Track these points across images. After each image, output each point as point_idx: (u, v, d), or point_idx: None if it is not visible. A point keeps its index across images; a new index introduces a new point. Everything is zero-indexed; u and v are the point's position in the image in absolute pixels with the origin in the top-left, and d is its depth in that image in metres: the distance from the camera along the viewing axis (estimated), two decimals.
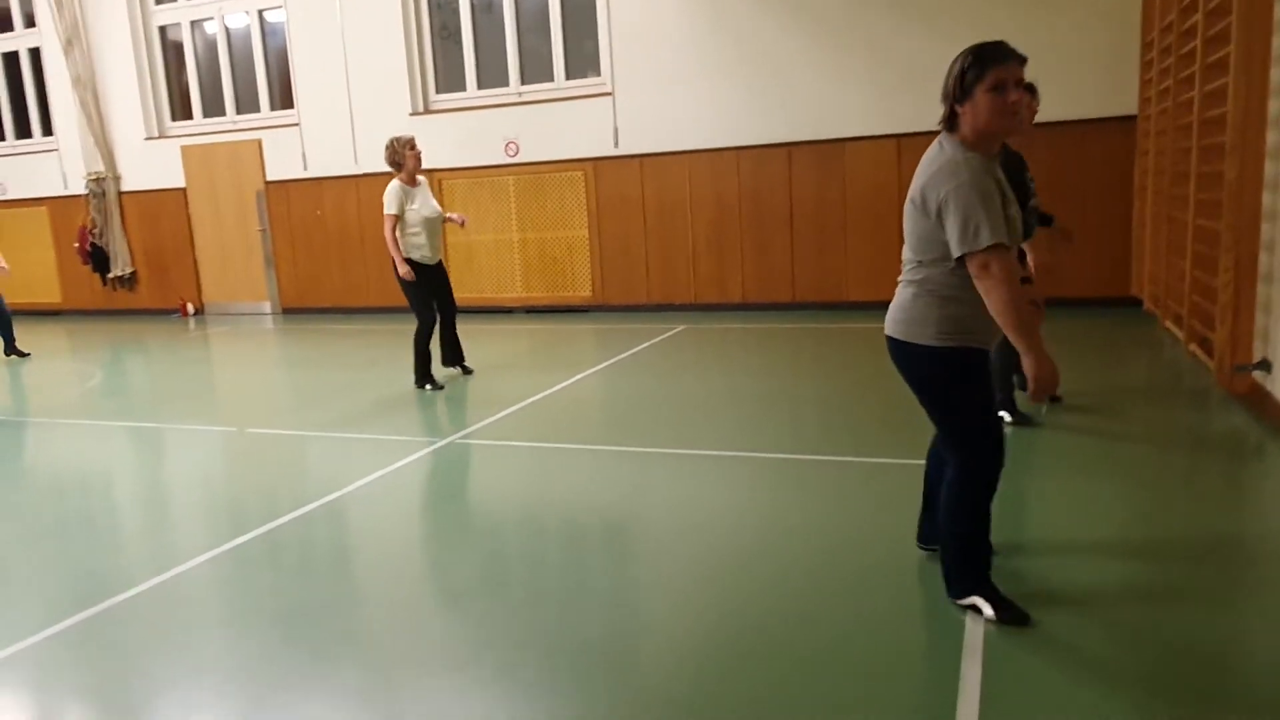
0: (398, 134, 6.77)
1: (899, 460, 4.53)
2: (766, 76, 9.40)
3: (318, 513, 4.33)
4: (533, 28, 10.45)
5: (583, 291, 10.54)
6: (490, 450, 5.26)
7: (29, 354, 9.60)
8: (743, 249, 9.82)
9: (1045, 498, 4.00)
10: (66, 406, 7.18)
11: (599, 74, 10.16)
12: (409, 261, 6.65)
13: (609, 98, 9.97)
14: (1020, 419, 4.96)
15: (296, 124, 11.37)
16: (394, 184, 6.64)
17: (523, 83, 10.53)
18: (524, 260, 10.74)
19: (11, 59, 13.05)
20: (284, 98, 11.64)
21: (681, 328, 9.06)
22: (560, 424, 5.76)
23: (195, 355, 9.61)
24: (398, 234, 6.63)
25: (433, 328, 6.82)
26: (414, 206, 6.62)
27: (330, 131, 11.13)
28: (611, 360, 7.63)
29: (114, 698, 2.78)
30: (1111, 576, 3.18)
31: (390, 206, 6.58)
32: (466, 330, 9.72)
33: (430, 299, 6.80)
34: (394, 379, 7.22)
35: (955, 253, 2.62)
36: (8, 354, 9.50)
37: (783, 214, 9.63)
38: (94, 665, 2.98)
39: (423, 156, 6.79)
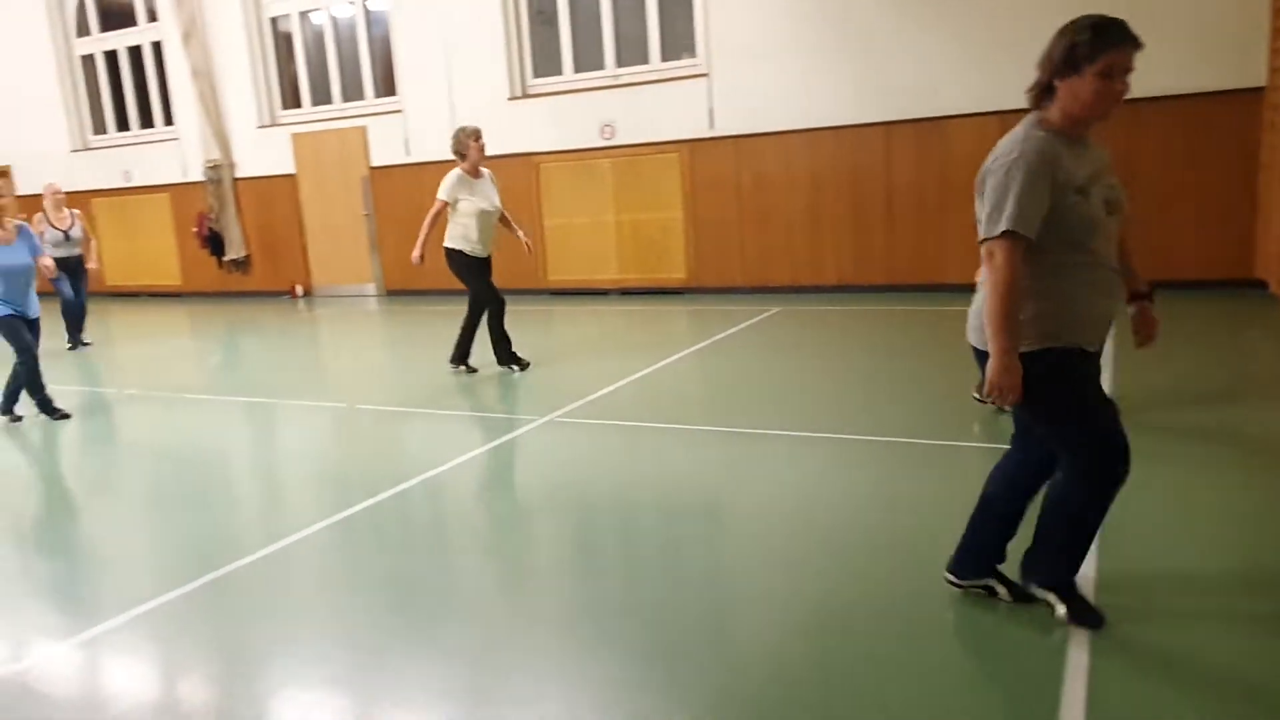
0: (464, 124, 6.79)
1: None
2: (863, 54, 9.20)
3: (419, 488, 4.48)
4: (628, 9, 10.47)
5: (677, 273, 10.56)
6: (587, 429, 5.35)
7: (90, 343, 9.45)
8: (839, 230, 9.67)
9: (1149, 502, 3.78)
10: (190, 383, 7.60)
11: (694, 55, 10.12)
12: (458, 252, 6.69)
13: (704, 79, 9.93)
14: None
15: (399, 110, 11.69)
16: (454, 172, 6.64)
17: (618, 65, 10.57)
18: (619, 242, 10.82)
19: (135, 52, 13.77)
20: (387, 85, 11.97)
21: (776, 309, 9.00)
22: (657, 404, 5.81)
23: (305, 335, 10.03)
24: (450, 221, 6.67)
25: (485, 313, 6.83)
26: (470, 197, 6.60)
27: (431, 117, 11.39)
28: (707, 341, 7.64)
29: (237, 653, 2.97)
30: (1221, 589, 3.04)
31: (441, 192, 6.61)
32: (564, 311, 9.88)
33: (491, 284, 6.83)
34: (492, 358, 7.38)
35: (979, 235, 2.49)
36: (71, 346, 9.22)
37: (880, 194, 9.44)
38: (218, 624, 3.18)
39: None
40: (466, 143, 6.59)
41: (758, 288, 10.12)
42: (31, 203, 13.56)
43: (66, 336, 9.26)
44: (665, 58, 10.34)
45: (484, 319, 6.87)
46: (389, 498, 4.34)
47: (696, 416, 5.50)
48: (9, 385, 6.22)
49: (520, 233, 7.05)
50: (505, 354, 6.92)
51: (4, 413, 6.29)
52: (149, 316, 12.21)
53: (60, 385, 7.47)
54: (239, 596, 3.38)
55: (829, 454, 4.62)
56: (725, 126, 9.92)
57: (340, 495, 4.46)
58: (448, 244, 6.75)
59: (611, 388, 6.22)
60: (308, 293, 13.01)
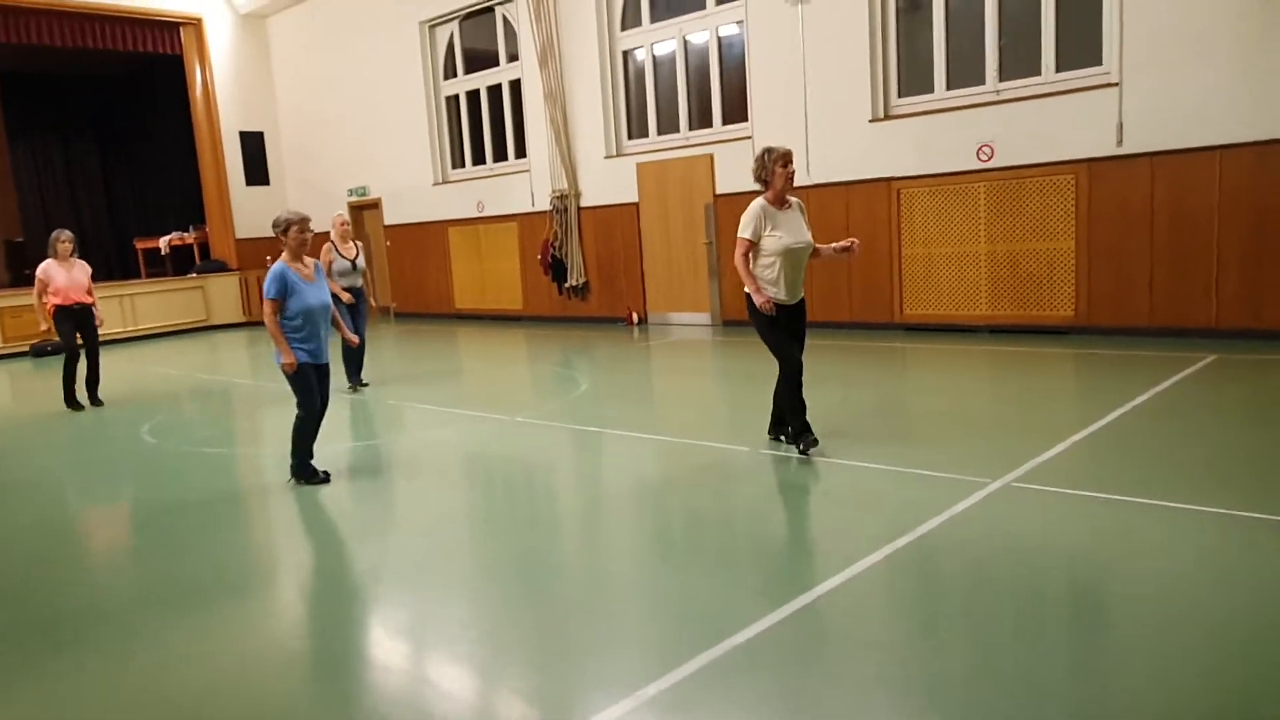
0: (772, 145, 5.63)
1: None
2: None
3: (906, 556, 3.84)
4: (1015, 18, 9.44)
5: (1063, 311, 9.31)
6: (1064, 501, 4.46)
7: (368, 384, 9.16)
8: None
9: None
10: (583, 414, 7.54)
11: (1099, 63, 8.89)
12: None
13: (1113, 89, 8.67)
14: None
15: (749, 137, 11.38)
16: (756, 203, 5.55)
17: (1001, 79, 9.55)
18: (991, 274, 9.74)
19: (494, 91, 14.63)
20: (737, 111, 11.73)
21: (1210, 358, 7.55)
22: (1144, 473, 4.80)
23: (663, 365, 9.88)
24: (750, 264, 5.58)
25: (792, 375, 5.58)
26: (775, 233, 5.49)
27: (783, 143, 10.94)
28: (1146, 395, 6.44)
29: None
30: None
31: (744, 230, 5.51)
32: (927, 350, 8.97)
33: (791, 341, 5.61)
34: (871, 396, 6.68)
35: None
36: (351, 388, 8.92)
37: None
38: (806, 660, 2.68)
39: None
40: (772, 167, 5.50)
41: (1167, 330, 8.64)
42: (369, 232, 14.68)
43: (347, 378, 8.90)
44: (1061, 68, 9.18)
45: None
46: (877, 564, 3.74)
47: (1219, 496, 4.41)
48: (298, 444, 5.61)
49: (834, 245, 5.74)
50: (796, 424, 5.62)
51: (302, 477, 5.63)
52: (491, 338, 12.77)
53: (444, 408, 7.69)
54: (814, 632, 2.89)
55: None
56: (1138, 142, 8.59)
57: (824, 558, 3.92)
58: (749, 289, 5.64)
59: (1059, 448, 5.28)
60: (642, 320, 13.05)
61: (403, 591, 3.98)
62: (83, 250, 21.85)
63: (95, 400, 9.12)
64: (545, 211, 13.78)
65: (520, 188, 14.18)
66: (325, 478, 5.64)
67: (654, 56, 12.58)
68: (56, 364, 13.84)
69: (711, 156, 11.81)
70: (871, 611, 3.48)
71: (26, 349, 14.02)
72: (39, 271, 8.86)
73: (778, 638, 3.22)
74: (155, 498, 5.91)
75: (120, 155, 20.70)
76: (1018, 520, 4.29)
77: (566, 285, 13.69)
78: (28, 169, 19.91)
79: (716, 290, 12.12)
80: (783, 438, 5.78)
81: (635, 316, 13.01)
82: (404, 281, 16.55)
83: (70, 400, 9.01)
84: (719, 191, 11.81)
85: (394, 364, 10.90)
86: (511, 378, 9.81)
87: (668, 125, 12.58)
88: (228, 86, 17.62)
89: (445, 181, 15.47)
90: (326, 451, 6.02)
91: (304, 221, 5.61)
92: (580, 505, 5.13)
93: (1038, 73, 9.31)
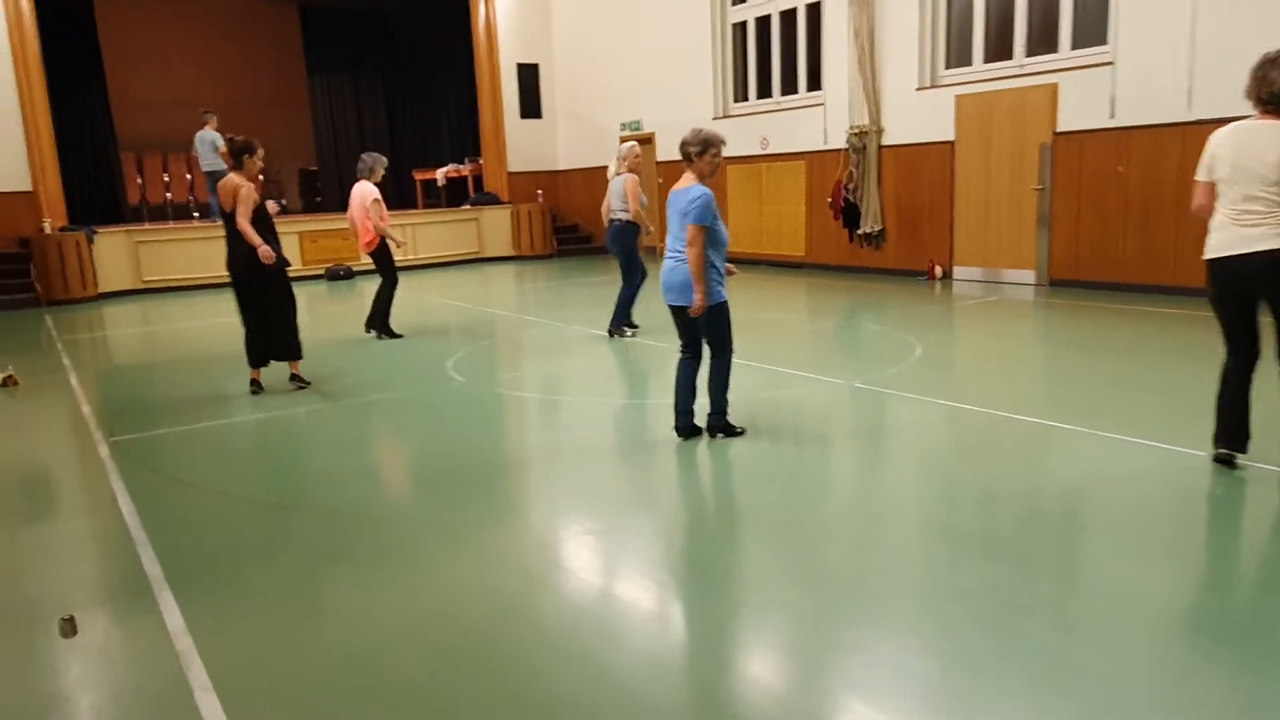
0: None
1: None
2: None
3: None
4: None
5: None
6: None
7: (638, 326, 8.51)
8: None
9: None
10: (912, 378, 6.47)
11: None
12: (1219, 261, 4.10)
13: None
14: None
15: (1108, 63, 9.58)
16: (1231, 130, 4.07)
17: None
18: None
19: (789, 16, 13.44)
20: (1093, 32, 9.92)
21: None
22: None
23: (998, 328, 8.55)
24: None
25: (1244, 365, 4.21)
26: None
27: (1156, 69, 9.12)
28: None
29: None
30: None
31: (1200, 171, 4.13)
32: None
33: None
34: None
35: None
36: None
37: None
38: None
39: None
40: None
41: None
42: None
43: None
44: None
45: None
46: None
47: None
48: (723, 389, 5.03)
49: None
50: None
51: (723, 429, 5.08)
52: (768, 286, 11.81)
53: (762, 364, 6.83)
54: None
55: None
56: None
57: None
58: (1212, 254, 4.12)
59: None
60: (946, 274, 11.62)
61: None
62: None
63: (392, 333, 9.02)
64: (839, 150, 12.55)
65: (811, 123, 13.01)
66: (741, 431, 5.10)
67: None
68: (349, 288, 14.53)
69: (1054, 87, 10.09)
70: None
71: (322, 272, 14.64)
72: (376, 194, 8.64)
73: None
74: (508, 447, 5.48)
75: (403, 88, 21.37)
76: None
77: (859, 232, 12.46)
78: (322, 101, 20.99)
79: (1045, 244, 10.48)
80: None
81: (939, 270, 11.60)
82: None
83: (387, 328, 8.88)
84: (1060, 129, 10.10)
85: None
86: (823, 334, 8.81)
87: (997, 51, 10.92)
88: (508, 18, 17.53)
89: (726, 115, 14.54)
90: (654, 407, 5.30)
91: (723, 144, 4.88)
92: (1023, 520, 4.08)
93: None
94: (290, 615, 3.32)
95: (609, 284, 10.73)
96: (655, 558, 3.79)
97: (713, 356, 5.02)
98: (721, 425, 5.06)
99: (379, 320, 8.91)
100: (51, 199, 13.77)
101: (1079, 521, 3.95)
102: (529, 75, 17.96)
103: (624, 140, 16.34)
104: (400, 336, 8.86)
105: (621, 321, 8.34)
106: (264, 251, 6.32)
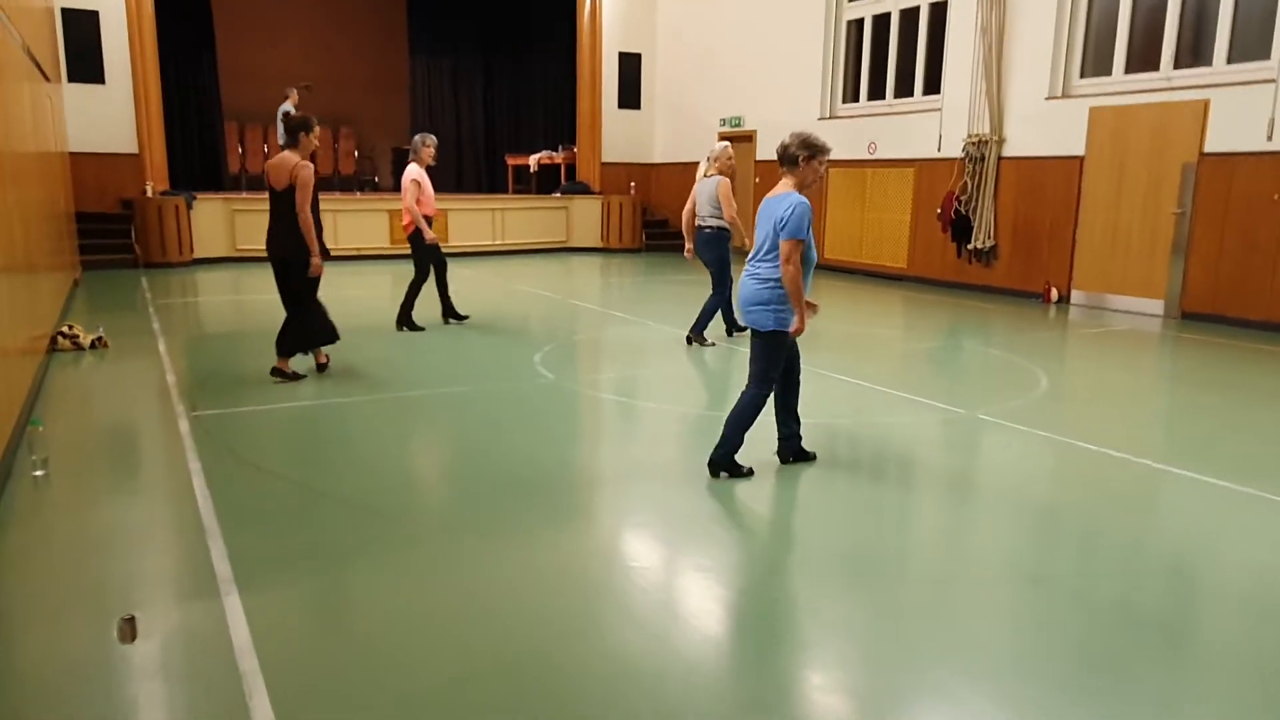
0: None
1: None
2: None
3: None
4: None
5: None
6: None
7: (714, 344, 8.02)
8: None
9: None
10: (1041, 413, 5.88)
11: None
12: None
13: None
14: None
15: (1269, 80, 8.75)
16: None
17: None
18: None
19: (910, 15, 12.78)
20: (1253, 45, 9.08)
21: None
22: None
23: (1129, 361, 7.85)
24: None
25: None
26: None
27: None
28: None
29: None
30: None
31: None
32: None
33: None
34: None
35: None
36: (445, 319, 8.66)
37: None
38: None
39: None
40: None
41: None
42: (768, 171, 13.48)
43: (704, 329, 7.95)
44: None
45: None
46: None
47: None
48: (743, 426, 4.44)
49: None
50: None
51: (726, 468, 4.48)
52: (867, 296, 11.20)
53: (868, 383, 6.30)
54: None
55: None
56: None
57: None
58: None
59: None
60: (1062, 298, 10.86)
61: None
62: (456, 161, 22.86)
63: (459, 315, 8.75)
64: (955, 159, 11.86)
65: (925, 129, 12.34)
66: (749, 472, 4.49)
67: None
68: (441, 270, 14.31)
69: (1205, 104, 9.27)
70: None
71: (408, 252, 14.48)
72: (416, 175, 8.14)
73: None
74: (595, 456, 5.11)
75: (501, 72, 21.24)
76: None
77: (969, 247, 11.76)
78: (422, 81, 20.95)
79: (1180, 273, 9.67)
80: None
81: (1055, 292, 10.85)
82: None
83: (410, 320, 8.38)
84: (1208, 149, 9.28)
85: None
86: (937, 355, 8.22)
87: (1141, 60, 10.12)
88: (614, 5, 17.20)
89: (833, 116, 13.94)
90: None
91: (829, 152, 4.39)
92: (1230, 614, 3.54)
93: None
94: (368, 634, 2.98)
95: (695, 284, 10.29)
96: (725, 594, 3.35)
97: (747, 385, 4.46)
98: (727, 463, 4.45)
99: (402, 313, 8.44)
100: (156, 163, 13.93)
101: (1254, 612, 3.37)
102: (630, 64, 17.61)
103: (721, 139, 15.92)
104: (422, 329, 8.35)
105: (703, 329, 7.89)
106: (315, 264, 6.06)
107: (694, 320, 7.89)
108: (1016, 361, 7.56)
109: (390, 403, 5.99)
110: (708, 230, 7.77)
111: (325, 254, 6.24)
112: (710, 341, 7.87)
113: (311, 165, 6.09)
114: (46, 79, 9.88)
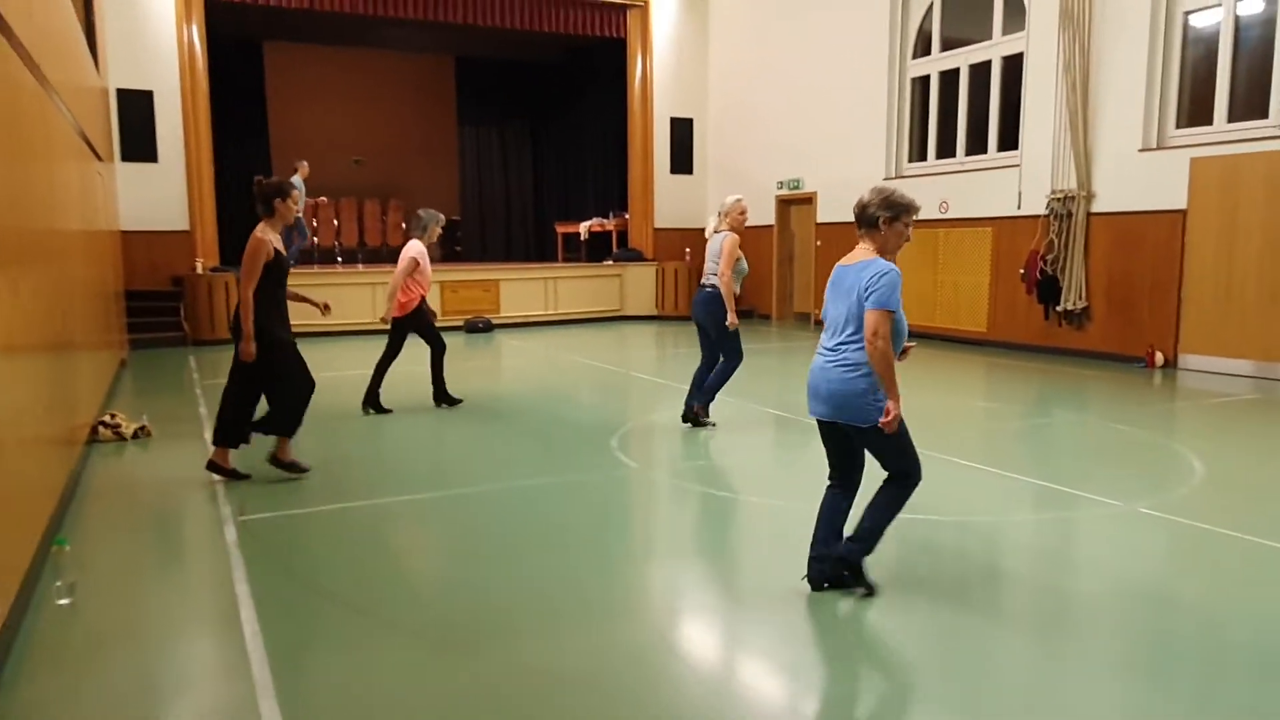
0: None
1: None
2: None
3: None
4: None
5: None
6: None
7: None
8: None
9: None
10: (1210, 506, 5.06)
11: None
12: None
13: None
14: None
15: None
16: None
17: None
18: None
19: (980, 70, 12.24)
20: None
21: None
22: None
23: (1245, 432, 6.98)
24: None
25: None
26: None
27: None
28: None
29: None
30: None
31: None
32: None
33: None
34: None
35: None
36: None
37: None
38: None
39: None
40: None
41: None
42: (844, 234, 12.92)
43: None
44: None
45: None
46: None
47: None
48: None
49: None
50: None
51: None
52: (939, 361, 10.42)
53: (989, 467, 5.51)
54: None
55: None
56: None
57: None
58: None
59: None
60: (1167, 363, 10.01)
61: None
62: (505, 230, 22.66)
63: (452, 399, 8.01)
64: (1037, 216, 11.17)
65: (1003, 186, 11.68)
66: (872, 588, 3.75)
67: (1236, 17, 9.46)
68: (487, 341, 13.93)
69: None
70: None
71: (460, 324, 14.06)
72: (416, 254, 7.58)
73: None
74: (693, 565, 4.41)
75: (550, 140, 21.10)
76: None
77: (1058, 308, 10.98)
78: (470, 150, 20.86)
79: None
80: None
81: (1159, 356, 10.01)
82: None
83: (375, 401, 7.67)
84: None
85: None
86: (1050, 431, 7.39)
87: (1246, 109, 9.42)
88: (666, 70, 16.93)
89: (899, 175, 13.35)
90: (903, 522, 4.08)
91: (917, 210, 3.74)
92: None
93: None
94: None
95: (757, 352, 9.57)
96: None
97: (889, 480, 3.79)
98: (854, 565, 3.73)
99: (435, 390, 7.92)
100: (207, 239, 13.72)
101: None
102: (683, 129, 17.26)
103: (781, 202, 15.39)
104: (388, 411, 7.64)
105: (708, 403, 7.04)
106: (245, 349, 5.46)
107: (689, 391, 7.10)
108: (1150, 438, 6.74)
109: (452, 502, 5.35)
110: (707, 289, 6.89)
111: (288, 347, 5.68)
112: (712, 421, 7.09)
113: (266, 238, 5.52)
114: (99, 158, 9.67)
